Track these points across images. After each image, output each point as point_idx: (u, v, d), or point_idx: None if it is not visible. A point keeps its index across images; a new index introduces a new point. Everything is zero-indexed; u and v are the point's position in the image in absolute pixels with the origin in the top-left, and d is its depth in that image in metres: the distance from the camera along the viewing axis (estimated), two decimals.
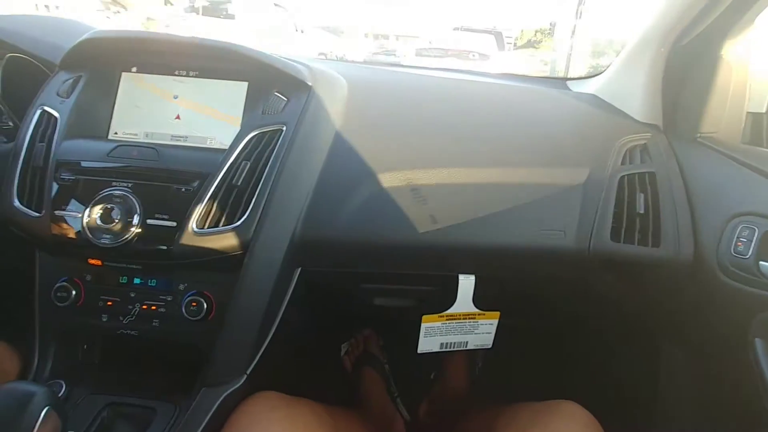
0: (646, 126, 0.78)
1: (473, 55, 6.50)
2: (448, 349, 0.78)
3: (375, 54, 8.80)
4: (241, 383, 0.60)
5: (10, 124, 0.79)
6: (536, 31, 16.38)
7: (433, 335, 0.76)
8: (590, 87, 0.94)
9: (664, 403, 0.77)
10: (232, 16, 5.13)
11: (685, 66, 0.75)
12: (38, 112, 0.66)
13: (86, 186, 0.61)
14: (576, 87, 1.00)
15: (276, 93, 0.68)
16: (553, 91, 0.91)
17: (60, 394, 0.60)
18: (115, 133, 0.69)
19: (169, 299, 0.64)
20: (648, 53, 0.77)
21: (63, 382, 0.62)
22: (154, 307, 0.64)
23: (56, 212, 0.60)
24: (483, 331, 0.77)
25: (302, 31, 5.78)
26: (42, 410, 0.41)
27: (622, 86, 0.85)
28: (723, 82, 0.72)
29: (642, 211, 0.66)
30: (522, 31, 16.54)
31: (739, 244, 0.58)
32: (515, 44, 13.99)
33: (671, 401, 0.76)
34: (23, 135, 0.65)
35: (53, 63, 0.72)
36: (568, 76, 1.09)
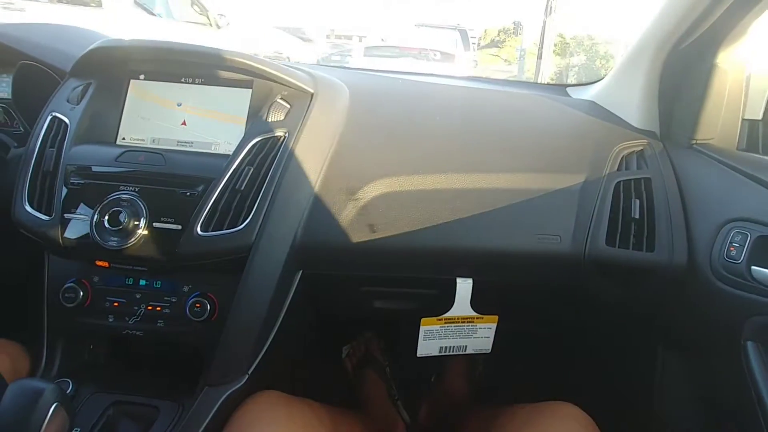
0: (643, 132, 0.79)
1: (435, 54, 5.65)
2: (447, 353, 0.79)
3: (331, 55, 8.44)
4: (242, 383, 0.61)
5: (21, 129, 0.81)
6: (499, 31, 15.94)
7: (432, 338, 0.77)
8: (589, 93, 0.95)
9: (660, 404, 0.78)
10: (99, 4, 4.18)
11: (682, 73, 0.76)
12: (49, 118, 0.68)
13: (95, 190, 0.63)
14: (575, 93, 1.02)
15: (279, 100, 0.69)
16: (552, 97, 0.93)
17: (67, 393, 0.62)
18: (123, 139, 0.71)
19: (173, 300, 0.65)
20: (645, 61, 0.78)
21: (70, 381, 0.63)
22: (158, 308, 0.65)
23: (65, 215, 0.62)
24: (482, 336, 0.78)
25: (218, 26, 4.91)
26: (51, 406, 0.42)
27: (620, 93, 0.86)
28: (718, 89, 0.73)
29: (637, 217, 0.67)
30: (485, 30, 16.10)
31: (732, 249, 0.59)
32: (479, 44, 13.70)
33: (666, 403, 0.77)
34: (34, 140, 0.67)
35: (63, 70, 0.74)
36: (567, 83, 1.10)
